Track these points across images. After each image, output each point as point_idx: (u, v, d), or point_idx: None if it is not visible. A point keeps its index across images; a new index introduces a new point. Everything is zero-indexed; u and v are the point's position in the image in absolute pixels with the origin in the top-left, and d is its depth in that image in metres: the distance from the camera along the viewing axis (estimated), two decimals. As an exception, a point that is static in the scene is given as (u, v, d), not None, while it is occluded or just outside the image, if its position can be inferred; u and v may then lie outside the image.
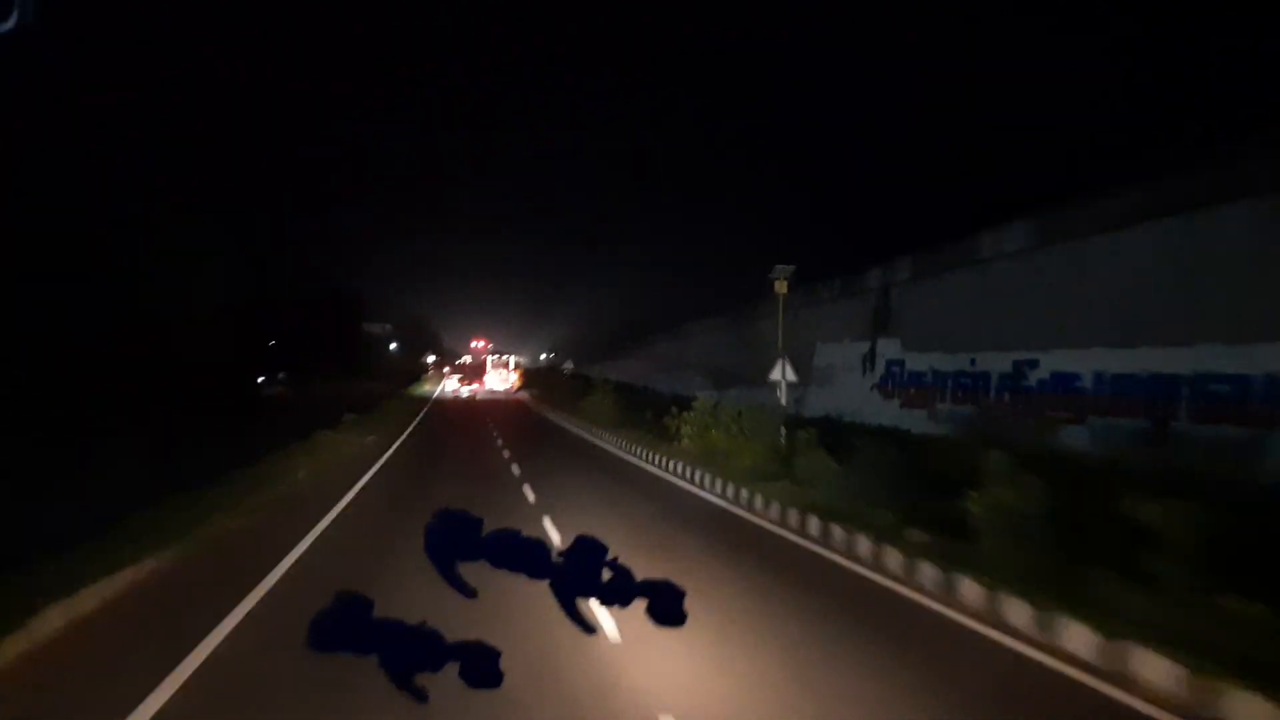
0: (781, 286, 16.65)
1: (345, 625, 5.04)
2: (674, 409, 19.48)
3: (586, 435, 27.43)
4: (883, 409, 19.36)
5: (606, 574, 5.63)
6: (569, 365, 70.48)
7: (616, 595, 5.61)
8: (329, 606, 5.17)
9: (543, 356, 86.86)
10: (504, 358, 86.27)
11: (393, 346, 70.67)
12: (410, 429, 29.19)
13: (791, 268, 16.49)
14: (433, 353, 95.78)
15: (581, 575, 5.63)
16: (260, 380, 36.01)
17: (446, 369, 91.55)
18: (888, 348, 19.97)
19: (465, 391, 73.06)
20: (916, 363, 18.61)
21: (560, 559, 5.59)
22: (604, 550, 5.69)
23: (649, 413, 23.09)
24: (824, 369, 23.15)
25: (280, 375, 39.92)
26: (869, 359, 20.76)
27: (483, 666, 5.25)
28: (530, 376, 74.35)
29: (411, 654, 4.98)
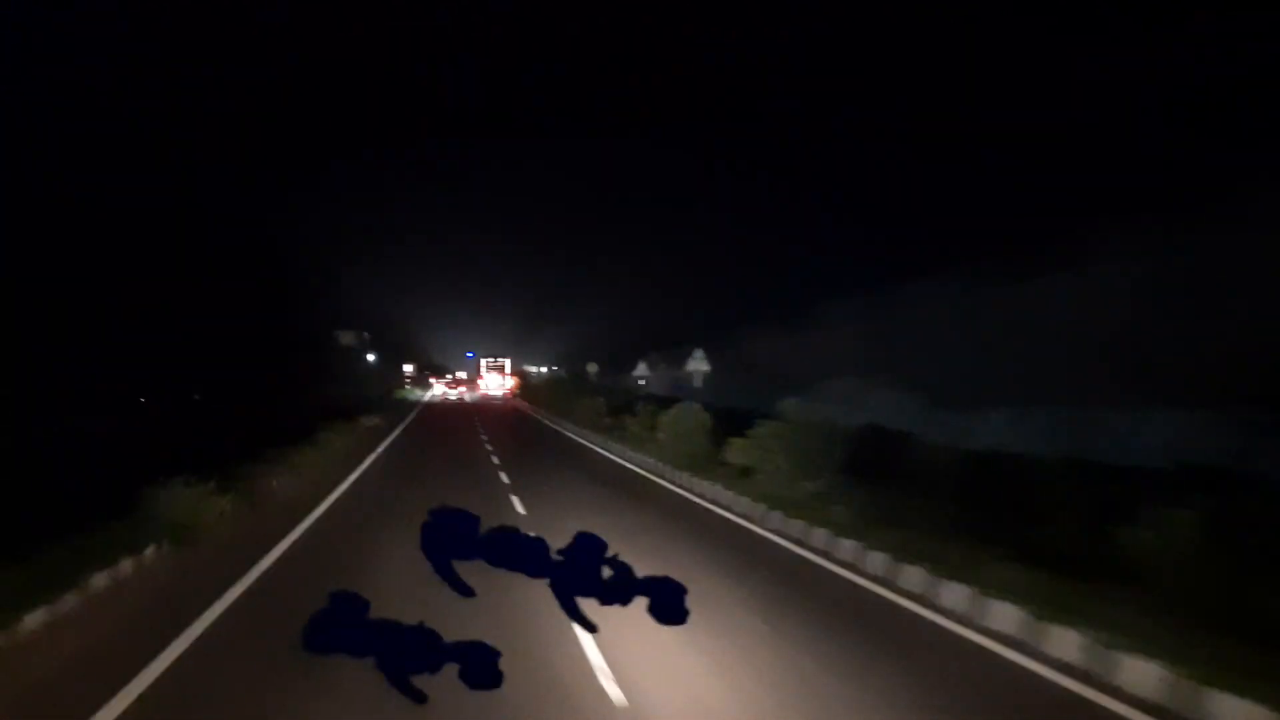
0: None
1: (341, 626, 4.96)
2: None
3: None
4: None
5: (606, 571, 5.56)
6: (703, 366, 40.94)
7: (617, 594, 5.53)
8: (325, 608, 5.09)
9: (543, 369, 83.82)
10: (498, 361, 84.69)
11: (370, 358, 67.34)
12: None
13: None
14: (419, 365, 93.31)
15: (581, 574, 5.55)
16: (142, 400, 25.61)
17: (431, 379, 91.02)
18: None
19: (453, 395, 73.63)
20: None
21: (559, 557, 5.51)
22: (604, 547, 5.61)
23: None
24: None
25: (195, 397, 28.98)
26: None
27: (482, 668, 5.17)
28: (540, 390, 62.04)
29: (409, 655, 4.91)
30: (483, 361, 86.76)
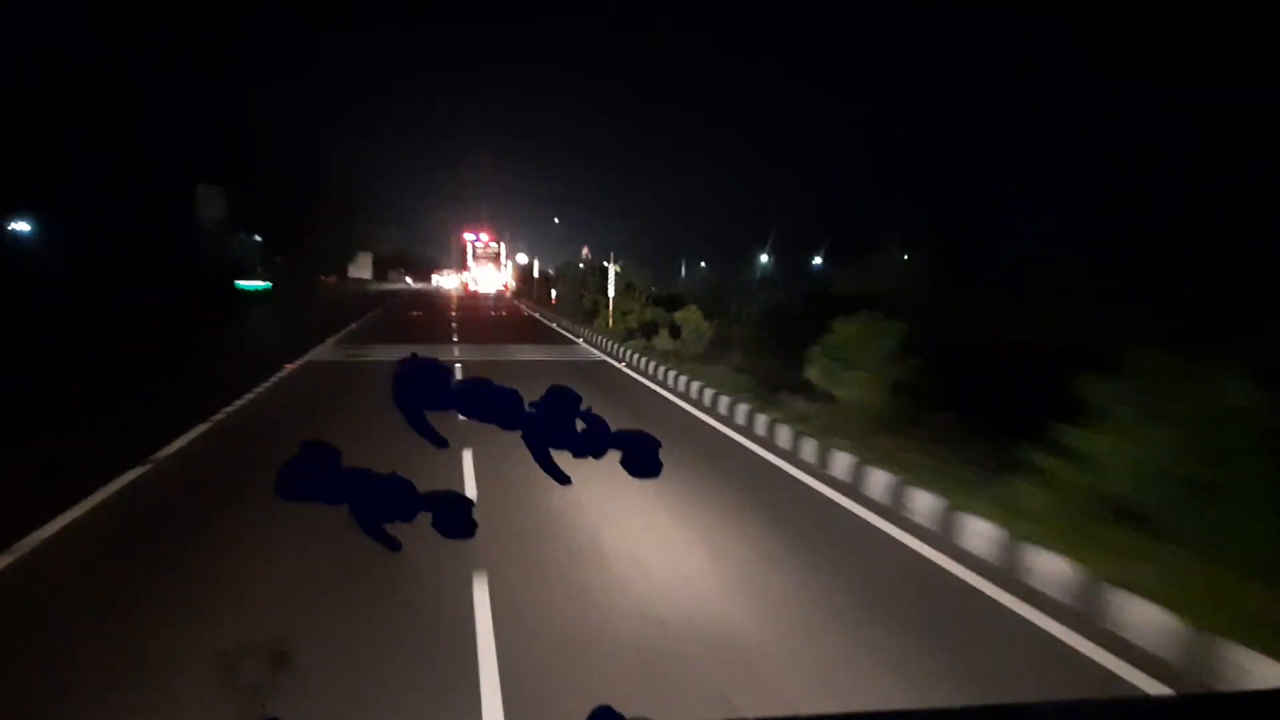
0: None
1: (313, 475, 4.79)
2: None
3: None
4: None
5: (580, 425, 5.53)
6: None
7: (590, 447, 5.54)
8: (295, 456, 4.91)
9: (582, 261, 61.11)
10: (490, 247, 62.47)
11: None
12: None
13: None
14: (389, 261, 64.10)
15: (554, 426, 5.52)
16: None
17: (407, 276, 71.70)
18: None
19: (433, 286, 62.03)
20: None
21: (533, 409, 5.42)
22: (577, 399, 5.57)
23: None
24: None
25: None
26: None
27: (456, 516, 5.15)
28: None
29: (383, 504, 4.82)
30: (469, 248, 63.31)
